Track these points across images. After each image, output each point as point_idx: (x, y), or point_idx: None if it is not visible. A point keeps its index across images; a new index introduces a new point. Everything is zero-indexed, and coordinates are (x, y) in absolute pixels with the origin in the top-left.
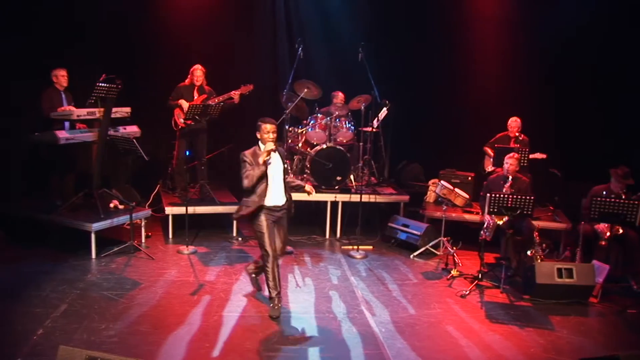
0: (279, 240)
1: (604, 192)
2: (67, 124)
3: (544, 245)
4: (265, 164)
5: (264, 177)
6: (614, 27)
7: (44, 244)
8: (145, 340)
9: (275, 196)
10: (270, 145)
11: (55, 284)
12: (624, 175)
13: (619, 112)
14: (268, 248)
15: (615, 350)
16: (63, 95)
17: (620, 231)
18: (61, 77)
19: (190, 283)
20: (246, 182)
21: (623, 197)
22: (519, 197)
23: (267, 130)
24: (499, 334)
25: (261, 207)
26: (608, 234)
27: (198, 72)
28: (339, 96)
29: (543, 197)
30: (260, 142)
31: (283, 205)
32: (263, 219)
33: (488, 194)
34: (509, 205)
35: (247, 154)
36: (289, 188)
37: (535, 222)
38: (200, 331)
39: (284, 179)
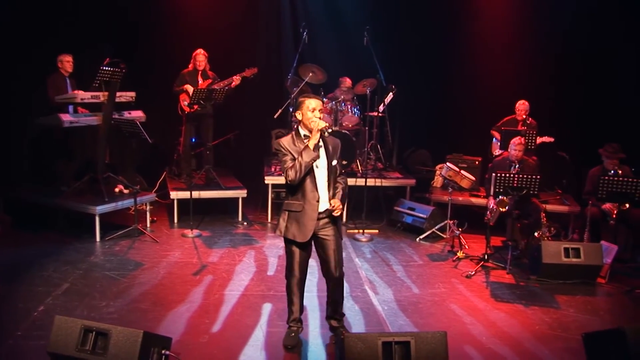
0: (326, 262)
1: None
2: (70, 108)
3: (551, 228)
4: (317, 147)
5: (311, 169)
6: (629, 9)
7: (49, 228)
8: (144, 317)
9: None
10: (322, 123)
11: (59, 265)
12: (614, 151)
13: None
14: (295, 270)
15: None
16: (68, 81)
17: (627, 205)
18: (66, 62)
19: (193, 264)
20: (291, 174)
21: (620, 172)
22: (525, 176)
23: (312, 107)
24: (503, 312)
25: (298, 212)
26: (615, 211)
27: (200, 57)
28: (346, 82)
29: (551, 180)
30: (300, 127)
31: (325, 212)
32: (298, 228)
33: (493, 174)
34: (515, 185)
35: (284, 142)
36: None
37: (542, 205)
38: (201, 308)
39: (329, 179)
